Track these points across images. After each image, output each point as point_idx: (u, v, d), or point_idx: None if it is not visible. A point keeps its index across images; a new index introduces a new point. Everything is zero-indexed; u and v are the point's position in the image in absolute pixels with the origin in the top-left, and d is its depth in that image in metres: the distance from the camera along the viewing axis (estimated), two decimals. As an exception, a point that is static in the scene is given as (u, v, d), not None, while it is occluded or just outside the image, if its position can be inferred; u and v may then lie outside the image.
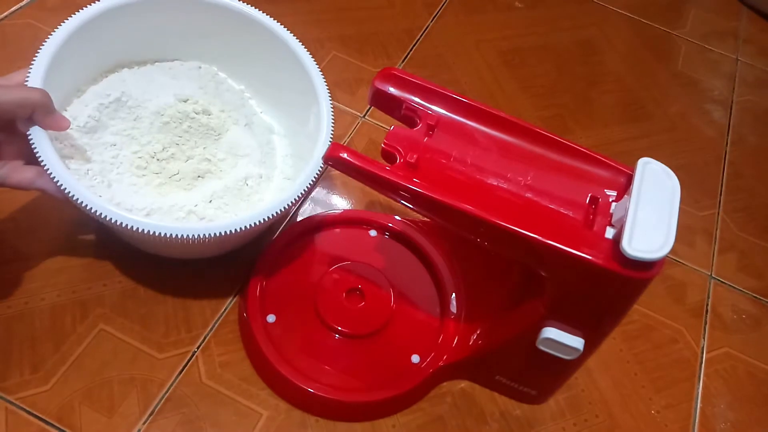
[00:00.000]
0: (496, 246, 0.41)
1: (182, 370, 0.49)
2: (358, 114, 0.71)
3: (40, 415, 0.45)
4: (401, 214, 0.59)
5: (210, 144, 0.55)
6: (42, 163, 0.42)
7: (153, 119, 0.53)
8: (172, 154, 0.53)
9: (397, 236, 0.58)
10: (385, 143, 0.41)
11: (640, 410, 0.54)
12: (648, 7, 0.97)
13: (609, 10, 0.94)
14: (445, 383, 0.53)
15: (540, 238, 0.37)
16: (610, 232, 0.38)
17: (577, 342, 0.42)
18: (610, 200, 0.40)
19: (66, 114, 0.50)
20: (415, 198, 0.39)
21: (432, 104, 0.43)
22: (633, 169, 0.40)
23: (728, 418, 0.55)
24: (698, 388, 0.57)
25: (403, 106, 0.43)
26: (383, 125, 0.70)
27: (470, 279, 0.55)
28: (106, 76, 0.55)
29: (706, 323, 0.62)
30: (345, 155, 0.39)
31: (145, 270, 0.53)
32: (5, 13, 0.70)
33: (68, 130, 0.49)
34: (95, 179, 0.49)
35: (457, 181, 0.40)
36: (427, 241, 0.57)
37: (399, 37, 0.80)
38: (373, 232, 0.58)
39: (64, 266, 0.53)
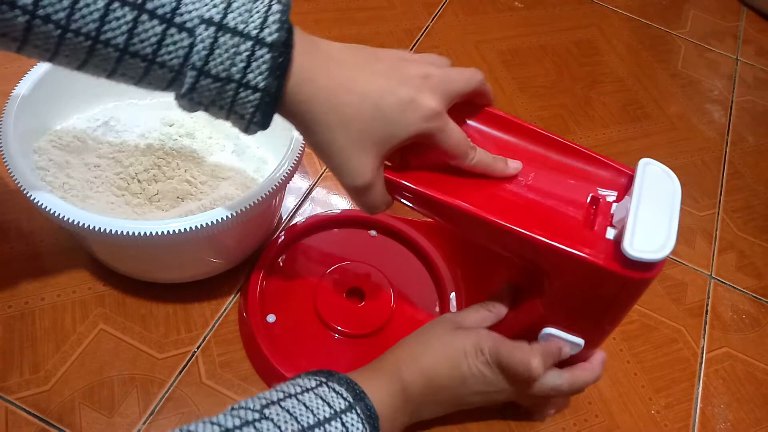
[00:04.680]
0: (497, 245, 0.41)
1: (182, 370, 0.49)
2: (358, 114, 0.70)
3: (40, 415, 0.45)
4: (401, 214, 0.59)
5: (192, 167, 0.54)
6: (2, 156, 0.43)
7: (138, 142, 0.54)
8: (154, 175, 0.53)
9: (397, 236, 0.58)
10: None
11: (639, 410, 0.54)
12: (647, 8, 0.97)
13: (608, 10, 0.94)
14: (445, 383, 0.53)
15: (541, 238, 0.37)
16: (611, 233, 0.38)
17: (577, 341, 0.43)
18: (611, 200, 0.40)
19: (53, 133, 0.51)
20: (416, 198, 0.39)
21: None
22: (634, 169, 0.40)
23: (728, 418, 0.55)
24: (698, 388, 0.57)
25: None
26: (383, 125, 0.70)
27: (470, 279, 0.55)
28: (100, 106, 0.56)
29: (705, 323, 0.62)
30: None
31: (146, 270, 0.53)
32: (5, 13, 0.70)
33: (50, 147, 0.50)
34: (69, 192, 0.49)
35: (457, 180, 0.40)
36: (427, 241, 0.57)
37: (399, 37, 0.81)
38: (373, 232, 0.58)
39: (64, 266, 0.53)
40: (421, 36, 0.82)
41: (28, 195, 0.42)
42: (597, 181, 0.41)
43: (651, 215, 0.37)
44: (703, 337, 0.61)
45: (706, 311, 0.63)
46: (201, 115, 0.58)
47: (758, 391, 0.58)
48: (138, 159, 0.53)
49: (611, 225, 0.39)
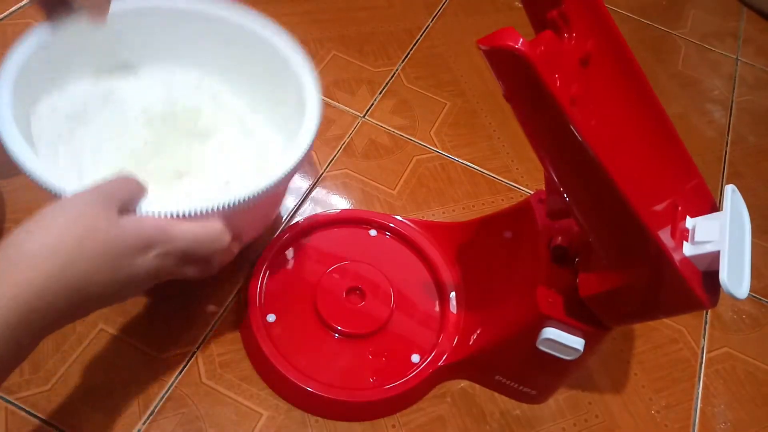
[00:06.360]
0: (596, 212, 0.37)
1: (182, 370, 0.49)
2: (358, 114, 0.71)
3: (40, 416, 0.45)
4: (401, 213, 0.60)
5: (196, 145, 0.53)
6: None
7: (138, 116, 0.53)
8: (154, 151, 0.52)
9: (397, 236, 0.58)
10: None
11: (639, 410, 0.54)
12: (648, 8, 0.97)
13: (609, 10, 0.94)
14: (445, 383, 0.53)
15: (661, 240, 0.34)
16: (687, 248, 0.37)
17: (577, 342, 0.42)
18: (681, 210, 0.38)
19: (50, 104, 0.49)
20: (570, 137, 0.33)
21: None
22: (708, 187, 0.39)
23: (728, 418, 0.55)
24: (698, 388, 0.57)
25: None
26: (384, 125, 0.70)
27: (470, 279, 0.55)
28: (101, 76, 0.54)
29: (706, 323, 0.62)
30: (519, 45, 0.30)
31: (146, 270, 0.53)
32: (6, 13, 0.70)
33: (49, 117, 0.48)
34: (65, 164, 0.47)
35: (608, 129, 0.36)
36: (427, 241, 0.57)
37: (399, 37, 0.81)
38: (373, 232, 0.58)
39: (64, 266, 0.53)
40: (420, 36, 0.82)
41: (23, 167, 0.40)
42: (679, 184, 0.39)
43: (734, 250, 0.35)
44: (704, 337, 0.61)
45: (707, 311, 0.63)
46: (205, 92, 0.57)
47: (758, 391, 0.58)
48: (139, 133, 0.52)
49: (687, 239, 0.37)
